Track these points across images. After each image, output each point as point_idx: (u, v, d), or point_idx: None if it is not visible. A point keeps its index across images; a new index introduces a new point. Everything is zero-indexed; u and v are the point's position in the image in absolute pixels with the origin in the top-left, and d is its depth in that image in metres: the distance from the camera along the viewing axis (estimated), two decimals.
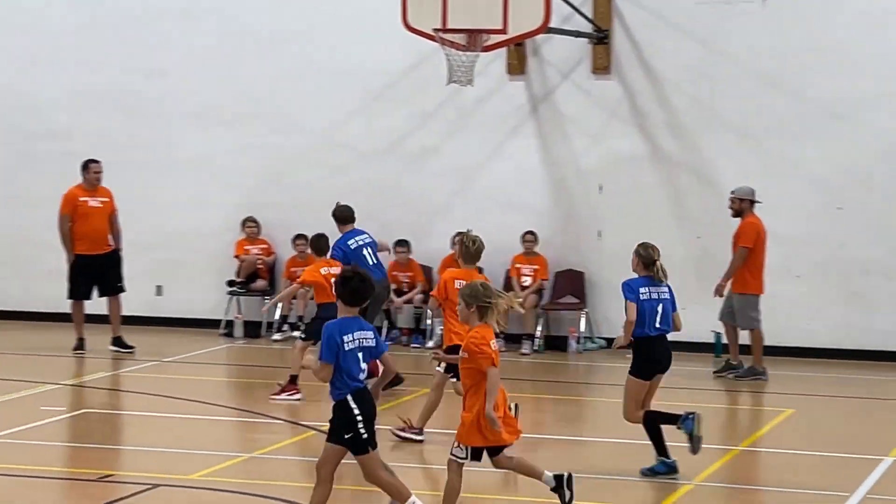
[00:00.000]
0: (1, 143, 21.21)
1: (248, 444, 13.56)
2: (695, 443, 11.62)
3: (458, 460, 9.92)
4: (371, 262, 15.66)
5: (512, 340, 18.54)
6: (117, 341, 18.47)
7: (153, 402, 15.54)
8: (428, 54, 18.58)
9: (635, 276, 11.92)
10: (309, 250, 16.13)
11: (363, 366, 9.57)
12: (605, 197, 19.28)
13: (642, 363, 11.91)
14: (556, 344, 19.26)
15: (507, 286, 18.59)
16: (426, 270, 19.56)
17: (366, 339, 9.60)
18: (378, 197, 19.61)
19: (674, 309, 11.96)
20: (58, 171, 19.95)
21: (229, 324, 20.26)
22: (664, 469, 11.92)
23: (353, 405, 9.52)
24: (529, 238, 19.26)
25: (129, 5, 20.77)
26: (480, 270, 13.58)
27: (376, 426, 9.68)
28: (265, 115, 20.33)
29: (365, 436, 9.53)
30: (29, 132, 21.06)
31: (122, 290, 18.42)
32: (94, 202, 18.36)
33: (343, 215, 16.10)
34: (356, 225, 16.10)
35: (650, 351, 11.91)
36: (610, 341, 16.48)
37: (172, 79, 20.57)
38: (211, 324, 20.45)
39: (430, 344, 19.01)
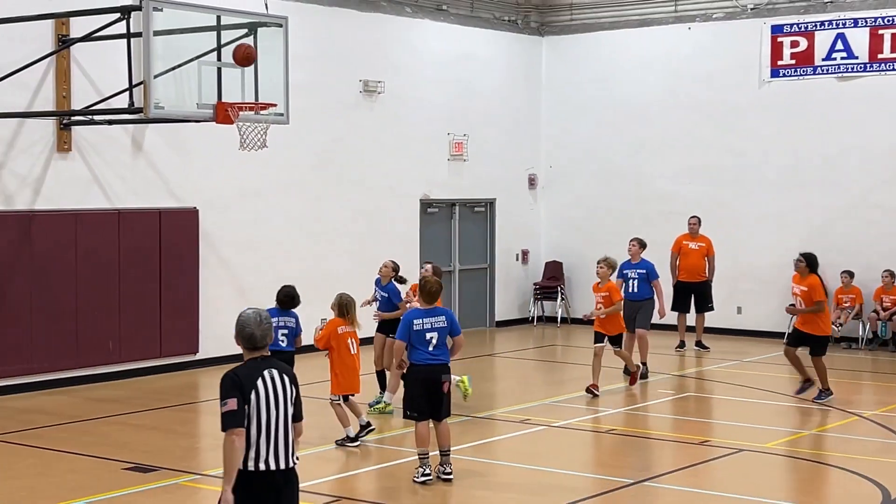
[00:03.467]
0: (624, 203, 24.84)
1: (803, 424, 14.97)
2: None
3: None
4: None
5: None
6: (699, 344, 21.91)
7: (733, 390, 17.26)
8: None
9: None
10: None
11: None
12: None
13: None
14: None
15: None
16: None
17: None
18: None
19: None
20: (664, 223, 23.87)
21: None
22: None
23: None
24: None
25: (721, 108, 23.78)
26: None
27: None
28: (813, 182, 22.86)
29: None
30: (642, 196, 25.00)
31: (711, 309, 21.73)
32: (692, 245, 21.95)
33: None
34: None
35: None
36: None
37: (749, 156, 23.78)
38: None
39: None
